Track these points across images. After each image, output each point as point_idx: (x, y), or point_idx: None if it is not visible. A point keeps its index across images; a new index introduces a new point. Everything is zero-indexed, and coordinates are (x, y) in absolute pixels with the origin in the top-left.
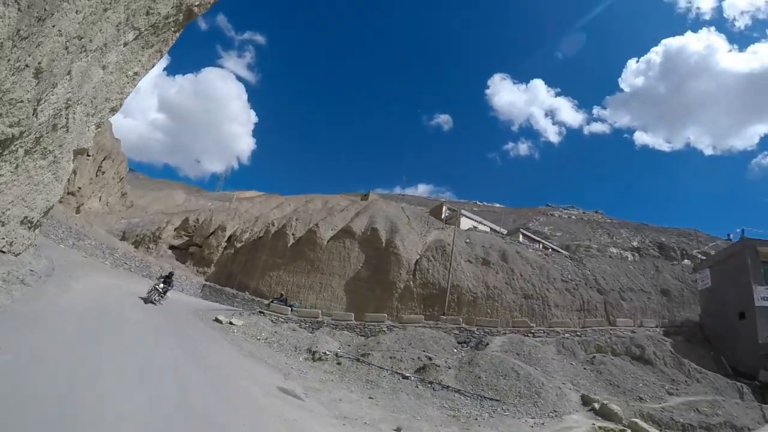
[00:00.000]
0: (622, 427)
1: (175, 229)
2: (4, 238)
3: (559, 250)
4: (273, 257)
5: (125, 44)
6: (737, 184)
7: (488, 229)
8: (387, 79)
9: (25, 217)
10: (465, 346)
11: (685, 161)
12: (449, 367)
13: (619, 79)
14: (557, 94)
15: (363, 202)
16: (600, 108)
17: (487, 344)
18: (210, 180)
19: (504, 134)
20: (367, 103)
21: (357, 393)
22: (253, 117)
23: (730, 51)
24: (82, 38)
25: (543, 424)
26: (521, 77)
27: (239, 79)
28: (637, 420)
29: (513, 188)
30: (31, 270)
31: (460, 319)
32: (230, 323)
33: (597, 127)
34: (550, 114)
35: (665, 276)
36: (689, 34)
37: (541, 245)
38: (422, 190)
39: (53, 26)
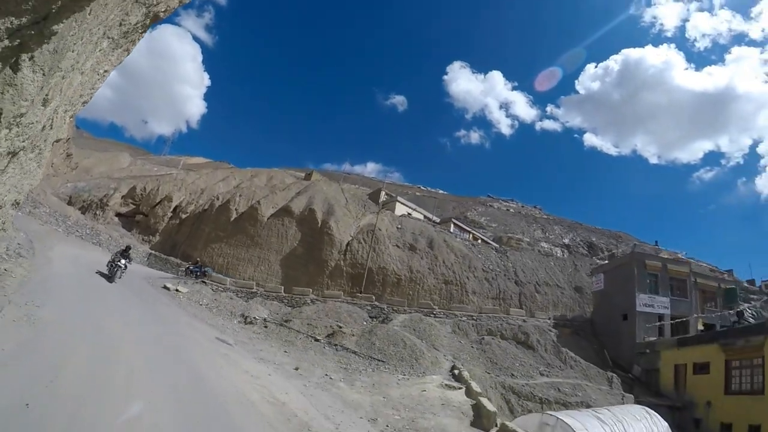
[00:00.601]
0: (461, 386)
1: (122, 197)
2: (1, 220)
3: (488, 241)
4: (216, 230)
5: (100, 50)
6: (677, 194)
7: (422, 217)
8: (346, 55)
9: (15, 200)
10: (374, 319)
11: (629, 166)
12: (353, 335)
13: (576, 81)
14: (514, 88)
15: (305, 182)
16: (554, 106)
17: (392, 320)
18: (156, 143)
19: (457, 121)
20: (324, 77)
21: (275, 348)
22: (206, 80)
23: (687, 69)
24: (74, 68)
25: (408, 378)
26: (481, 67)
27: (196, 39)
28: (490, 389)
29: (460, 175)
30: (19, 243)
31: (373, 297)
32: (177, 290)
33: (549, 125)
34: (505, 106)
35: (581, 274)
36: (650, 47)
37: (471, 235)
38: (371, 168)
39: (59, 70)
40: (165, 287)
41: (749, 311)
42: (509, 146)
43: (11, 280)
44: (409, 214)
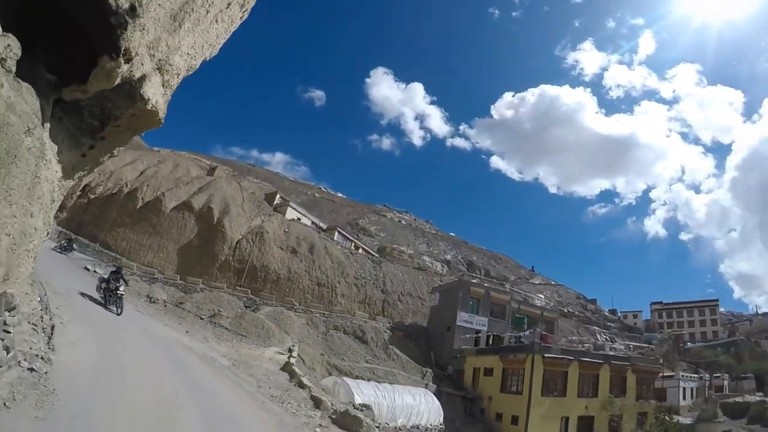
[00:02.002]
0: (287, 354)
1: None
2: None
3: (369, 250)
4: (122, 216)
5: None
6: (571, 225)
7: (310, 222)
8: (271, 41)
9: None
10: (247, 308)
11: (530, 193)
12: (228, 317)
13: (492, 106)
14: (432, 102)
15: (208, 178)
16: (467, 126)
17: (260, 309)
18: None
19: (372, 125)
20: (243, 61)
21: (173, 320)
22: None
23: (597, 113)
24: None
25: (258, 347)
26: (404, 77)
27: None
28: (315, 364)
29: (364, 178)
30: None
31: (250, 291)
32: (95, 272)
33: (459, 143)
34: (420, 118)
35: None
36: (567, 87)
37: (353, 244)
38: (279, 158)
39: None
40: (86, 268)
41: (526, 335)
42: (418, 157)
43: None
44: (299, 219)
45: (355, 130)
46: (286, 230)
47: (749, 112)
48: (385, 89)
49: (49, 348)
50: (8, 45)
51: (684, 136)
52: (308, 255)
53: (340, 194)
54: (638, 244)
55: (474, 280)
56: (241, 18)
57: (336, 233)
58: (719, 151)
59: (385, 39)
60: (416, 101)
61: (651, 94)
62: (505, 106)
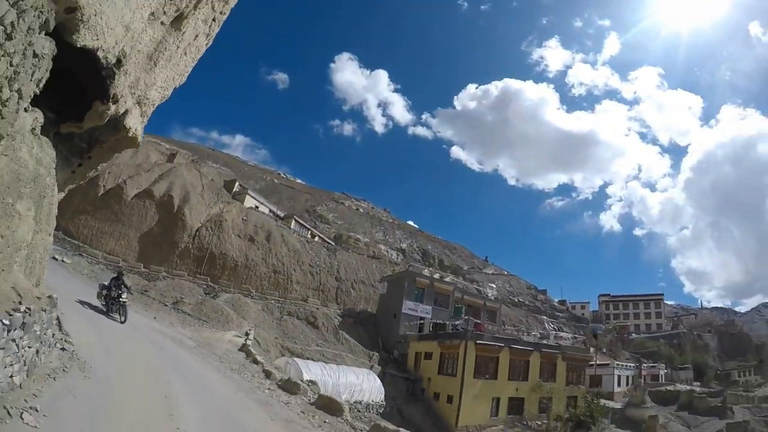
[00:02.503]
0: (244, 337)
1: None
2: None
3: (325, 239)
4: (84, 203)
5: None
6: (528, 217)
7: (267, 210)
8: (237, 22)
9: None
10: (207, 295)
11: (489, 184)
12: (190, 304)
13: (456, 97)
14: (396, 90)
15: (168, 165)
16: (430, 116)
17: (219, 296)
18: None
19: (334, 111)
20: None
21: (140, 307)
22: None
23: (559, 109)
24: None
25: (218, 331)
26: (369, 63)
27: None
28: (270, 347)
29: (324, 164)
30: None
31: (209, 278)
32: (63, 261)
33: (421, 131)
34: (383, 106)
35: None
36: (530, 82)
37: (309, 232)
38: (239, 140)
39: None
40: (53, 257)
41: (461, 322)
42: (379, 144)
43: None
44: (257, 207)
45: (318, 115)
46: (245, 218)
47: (707, 117)
48: (349, 75)
49: (63, 333)
50: (36, 117)
51: (642, 136)
52: (265, 243)
53: (299, 180)
54: (593, 238)
55: (425, 271)
56: (206, 45)
57: (293, 221)
58: (676, 152)
59: (352, 25)
60: (380, 88)
61: (612, 94)
62: (468, 97)
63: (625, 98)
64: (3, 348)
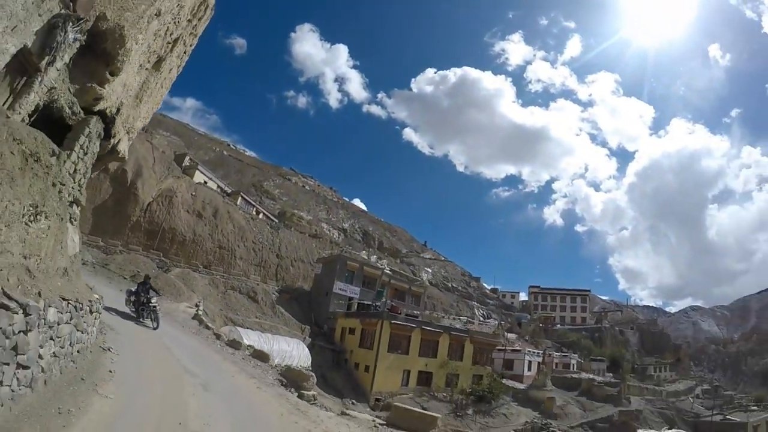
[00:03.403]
0: (195, 308)
1: None
2: None
3: (270, 216)
4: None
5: None
6: (474, 204)
7: (215, 186)
8: None
9: None
10: (160, 269)
11: (438, 169)
12: (149, 277)
13: (413, 80)
14: (354, 66)
15: None
16: (386, 95)
17: (171, 270)
18: None
19: (290, 81)
20: None
21: (104, 281)
22: None
23: (514, 102)
24: None
25: (172, 303)
26: (330, 37)
27: None
28: (215, 318)
29: (275, 135)
30: None
31: (161, 253)
32: None
33: (375, 110)
34: (340, 81)
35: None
36: (489, 73)
37: (255, 209)
38: (190, 104)
39: None
40: None
41: (380, 304)
42: (332, 119)
43: None
44: (206, 182)
45: (273, 85)
46: (193, 194)
47: (657, 127)
48: (309, 46)
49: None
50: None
51: (593, 137)
52: (212, 219)
53: (248, 152)
54: (535, 230)
55: (362, 253)
56: (178, 73)
57: (239, 198)
58: (623, 156)
59: None
60: (338, 63)
61: (568, 94)
62: (426, 81)
63: (580, 99)
64: (95, 318)
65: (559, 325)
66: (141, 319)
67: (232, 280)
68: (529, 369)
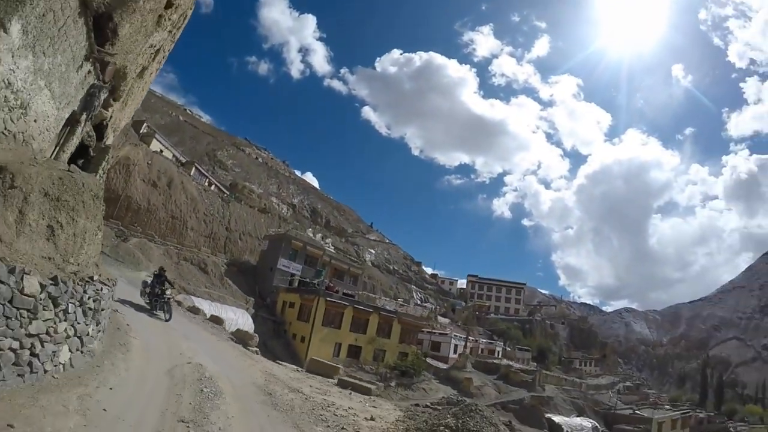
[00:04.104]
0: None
1: None
2: None
3: (222, 188)
4: None
5: None
6: (425, 189)
7: (171, 155)
8: None
9: None
10: (119, 239)
11: (393, 150)
12: (108, 246)
13: (378, 59)
14: (320, 39)
15: None
16: (348, 71)
17: (130, 240)
18: None
19: (253, 47)
20: None
21: None
22: None
23: (476, 93)
24: None
25: (133, 272)
26: (299, 5)
27: None
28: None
29: (233, 101)
30: None
31: (120, 223)
32: None
33: (336, 85)
34: (304, 51)
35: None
36: (455, 61)
37: (207, 181)
38: None
39: None
40: None
41: (319, 282)
42: (292, 89)
43: None
44: (161, 151)
45: (235, 49)
46: (149, 162)
47: (612, 134)
48: (276, 13)
49: None
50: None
51: (549, 137)
52: (166, 189)
53: (204, 118)
54: (483, 220)
55: (308, 230)
56: (156, 74)
57: (193, 169)
58: (576, 158)
59: None
60: (305, 33)
61: (530, 92)
62: (390, 61)
63: (541, 98)
64: (111, 295)
65: (492, 315)
66: (155, 311)
67: (185, 251)
68: (455, 352)
